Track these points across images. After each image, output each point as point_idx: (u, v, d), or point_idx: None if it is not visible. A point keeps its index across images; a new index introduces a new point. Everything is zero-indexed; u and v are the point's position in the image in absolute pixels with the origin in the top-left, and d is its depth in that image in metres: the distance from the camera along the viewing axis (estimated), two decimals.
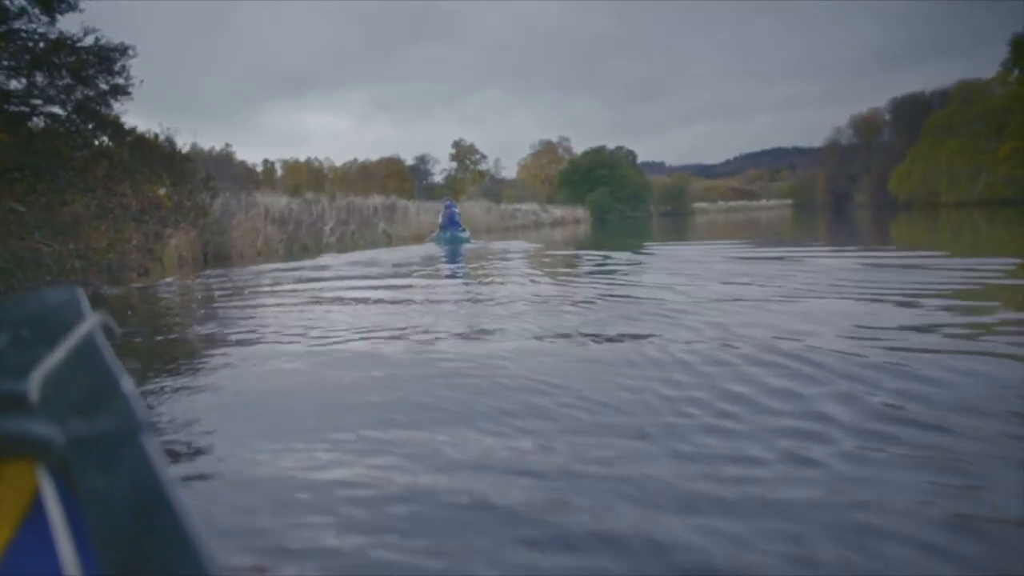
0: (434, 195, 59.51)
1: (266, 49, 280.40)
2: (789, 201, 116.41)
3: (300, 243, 23.80)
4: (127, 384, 0.57)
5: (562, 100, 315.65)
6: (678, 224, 35.71)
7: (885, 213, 35.04)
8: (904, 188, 47.55)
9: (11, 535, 0.49)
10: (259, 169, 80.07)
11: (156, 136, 10.14)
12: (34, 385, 0.52)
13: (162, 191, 9.55)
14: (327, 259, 15.95)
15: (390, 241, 28.30)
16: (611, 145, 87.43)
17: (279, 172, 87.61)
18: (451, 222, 21.70)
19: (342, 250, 21.76)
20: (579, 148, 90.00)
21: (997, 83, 44.83)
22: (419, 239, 28.25)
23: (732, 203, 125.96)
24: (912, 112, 66.18)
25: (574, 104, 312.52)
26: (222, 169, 31.18)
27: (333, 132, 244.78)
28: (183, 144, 10.28)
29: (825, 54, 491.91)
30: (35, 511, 0.49)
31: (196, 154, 20.95)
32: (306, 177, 75.49)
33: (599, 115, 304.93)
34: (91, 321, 0.66)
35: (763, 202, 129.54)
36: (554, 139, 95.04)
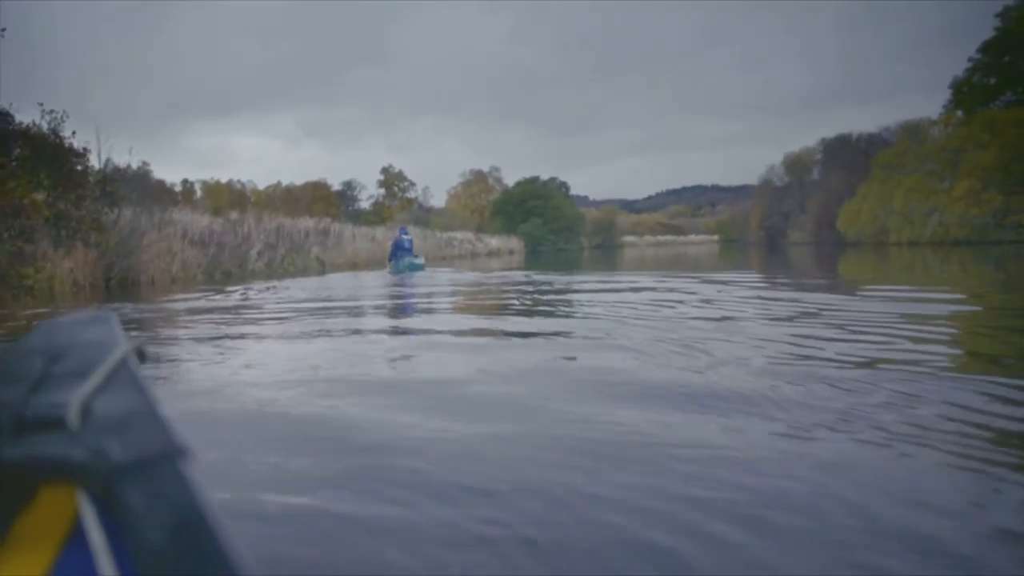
0: (361, 221, 57.31)
1: (194, 67, 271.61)
2: (715, 237, 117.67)
3: (222, 269, 20.89)
4: (162, 409, 0.57)
5: (493, 131, 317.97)
6: (617, 257, 34.28)
7: (830, 251, 34.01)
8: (853, 226, 46.78)
9: (52, 560, 0.49)
10: (178, 189, 76.41)
11: (34, 124, 7.34)
12: (73, 410, 0.53)
13: (38, 195, 6.81)
14: (256, 292, 13.25)
15: (323, 268, 25.63)
16: (541, 176, 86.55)
17: (199, 193, 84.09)
18: (400, 248, 20.23)
19: (270, 276, 19.21)
20: (509, 179, 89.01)
21: (940, 124, 45.00)
22: (356, 267, 26.06)
23: (660, 238, 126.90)
24: (842, 152, 67.11)
25: (505, 135, 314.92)
26: (137, 188, 27.82)
27: (259, 155, 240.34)
28: (71, 136, 7.61)
29: (751, 95, 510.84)
30: (75, 536, 0.50)
31: (114, 172, 17.86)
32: (227, 199, 71.92)
33: (529, 147, 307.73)
34: (125, 346, 0.67)
35: (691, 237, 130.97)
36: (484, 168, 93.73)
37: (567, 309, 7.94)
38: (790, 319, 6.19)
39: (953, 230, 38.63)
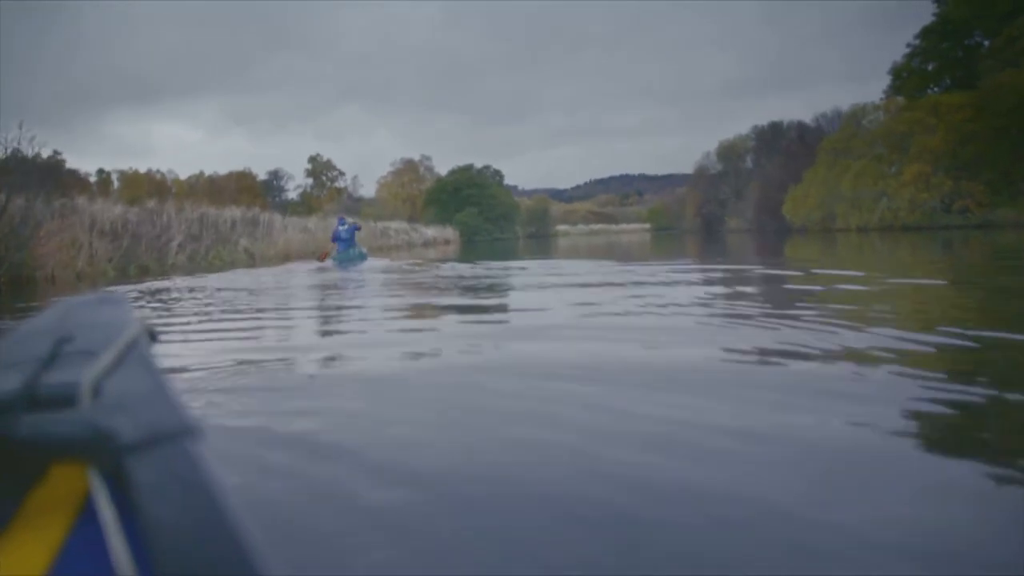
0: (289, 212, 55.03)
1: (109, 51, 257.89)
2: (647, 225, 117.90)
3: (138, 263, 18.57)
4: (174, 388, 0.58)
5: (422, 119, 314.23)
6: (556, 246, 34.05)
7: (775, 237, 33.40)
8: (799, 212, 46.03)
9: (63, 537, 0.49)
10: (93, 179, 72.58)
11: None
12: (85, 388, 0.53)
13: None
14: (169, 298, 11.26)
15: (253, 261, 23.44)
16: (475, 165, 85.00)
17: (116, 184, 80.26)
18: (338, 239, 19.33)
19: (194, 271, 17.13)
20: (441, 168, 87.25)
21: (881, 110, 44.72)
22: (288, 259, 24.14)
23: (594, 226, 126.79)
24: (775, 139, 67.52)
25: (434, 124, 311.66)
26: (31, 174, 24.55)
27: (182, 144, 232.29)
28: None
29: (677, 85, 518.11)
30: (86, 513, 0.50)
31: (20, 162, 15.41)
32: (147, 189, 68.26)
33: (458, 136, 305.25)
34: (137, 326, 0.68)
35: (624, 226, 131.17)
36: (416, 157, 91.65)
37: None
38: None
39: (902, 215, 38.14)
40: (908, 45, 47.19)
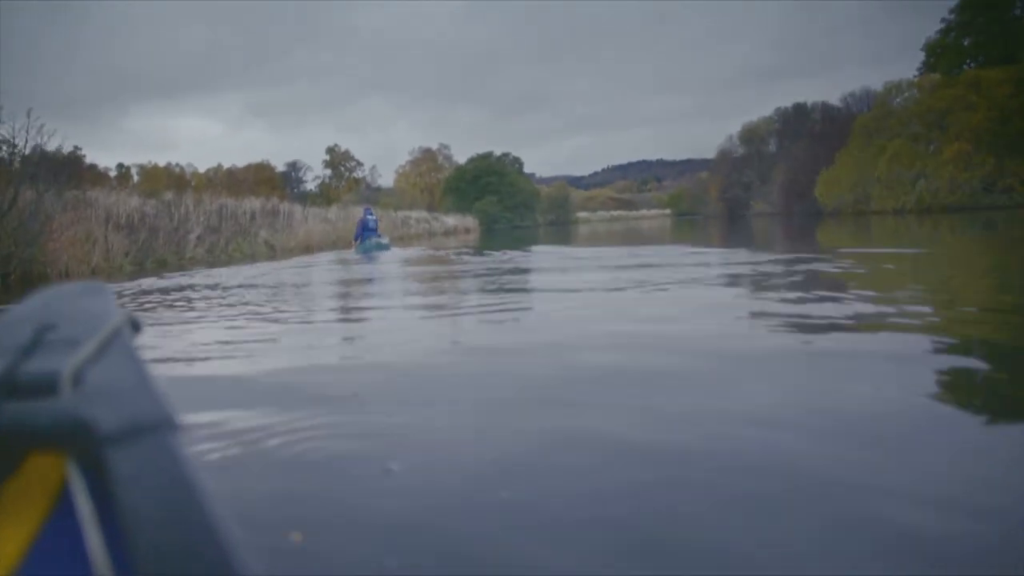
0: (307, 203, 54.56)
1: (132, 48, 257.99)
2: (667, 211, 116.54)
3: (156, 256, 17.88)
4: (154, 380, 0.57)
5: (443, 111, 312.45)
6: (578, 233, 33.96)
7: (810, 221, 32.39)
8: (832, 194, 44.53)
9: (38, 527, 0.49)
10: (113, 174, 72.54)
11: None
12: (64, 378, 0.52)
13: None
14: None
15: (274, 253, 22.74)
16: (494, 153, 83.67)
17: (136, 178, 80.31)
18: (365, 229, 19.97)
19: (213, 264, 16.52)
20: (459, 157, 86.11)
21: (917, 87, 43.30)
22: (309, 250, 23.60)
23: (614, 213, 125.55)
24: (798, 122, 66.21)
25: (455, 115, 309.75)
26: (63, 173, 23.61)
27: (202, 138, 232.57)
28: None
29: (695, 71, 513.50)
30: (63, 504, 0.50)
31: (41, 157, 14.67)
32: (166, 183, 68.00)
33: (477, 126, 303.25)
34: (119, 316, 0.68)
35: (644, 212, 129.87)
36: (434, 147, 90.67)
37: None
38: None
39: (942, 196, 36.71)
40: (942, 20, 45.73)
